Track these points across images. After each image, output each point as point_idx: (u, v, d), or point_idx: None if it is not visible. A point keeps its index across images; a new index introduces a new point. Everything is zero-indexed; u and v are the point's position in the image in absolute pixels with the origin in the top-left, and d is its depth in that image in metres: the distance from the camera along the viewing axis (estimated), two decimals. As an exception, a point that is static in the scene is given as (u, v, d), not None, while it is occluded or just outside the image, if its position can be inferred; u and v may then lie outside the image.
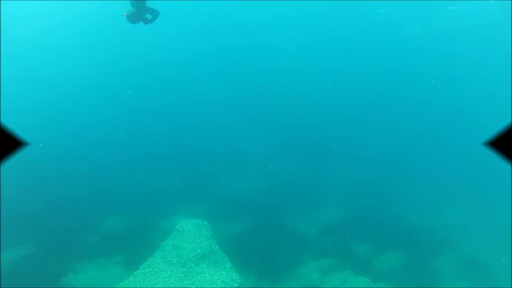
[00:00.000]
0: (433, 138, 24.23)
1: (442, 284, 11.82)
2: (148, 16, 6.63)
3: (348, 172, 18.52)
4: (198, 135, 22.55)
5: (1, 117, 21.88)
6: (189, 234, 11.66)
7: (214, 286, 10.12)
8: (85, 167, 18.10)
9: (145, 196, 15.50)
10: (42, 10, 27.70)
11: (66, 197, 15.21)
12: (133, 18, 6.44)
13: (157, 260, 11.01)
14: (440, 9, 23.63)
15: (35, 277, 10.55)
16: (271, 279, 11.18)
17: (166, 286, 10.00)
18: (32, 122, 23.59)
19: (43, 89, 27.79)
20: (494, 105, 26.70)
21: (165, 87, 29.25)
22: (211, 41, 32.25)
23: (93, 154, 19.50)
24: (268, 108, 24.87)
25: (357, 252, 12.89)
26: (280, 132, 21.88)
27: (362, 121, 25.05)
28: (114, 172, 17.48)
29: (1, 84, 25.22)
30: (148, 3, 7.02)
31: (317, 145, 21.35)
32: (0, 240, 11.68)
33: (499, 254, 13.07)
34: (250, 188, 16.53)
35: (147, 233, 13.05)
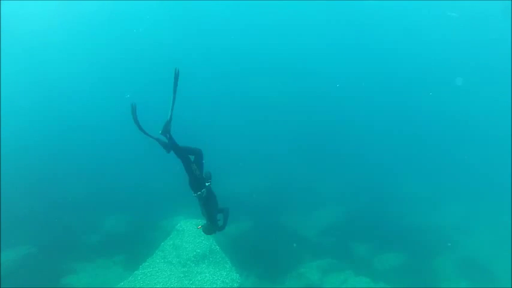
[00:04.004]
0: (433, 138, 24.21)
1: (442, 284, 11.82)
2: (220, 222, 6.55)
3: (347, 172, 18.50)
4: (198, 135, 22.50)
5: (1, 116, 21.90)
6: (189, 234, 11.68)
7: (214, 286, 10.12)
8: (85, 167, 18.09)
9: (145, 196, 15.49)
10: (42, 10, 27.71)
11: (66, 197, 15.21)
12: (209, 230, 6.45)
13: (157, 260, 11.03)
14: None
15: (35, 277, 10.56)
16: (271, 279, 11.18)
17: (166, 286, 10.00)
18: (32, 122, 23.63)
19: (43, 88, 27.78)
20: (494, 106, 26.71)
21: (165, 87, 29.27)
22: (214, 40, 32.27)
23: (93, 154, 19.49)
24: (269, 109, 24.85)
25: (357, 252, 12.89)
26: (280, 132, 21.86)
27: (362, 121, 25.04)
28: (114, 172, 17.47)
29: (1, 84, 25.23)
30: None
31: (317, 145, 21.33)
32: (0, 240, 11.68)
33: (499, 254, 13.08)
34: (250, 188, 16.52)
35: (147, 233, 13.04)
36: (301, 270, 11.65)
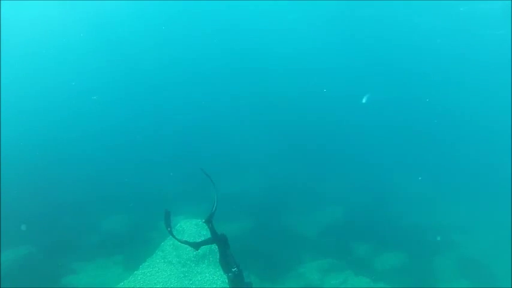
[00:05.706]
0: (433, 138, 24.23)
1: (442, 284, 11.81)
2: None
3: (347, 172, 18.51)
4: (198, 135, 22.56)
5: (1, 117, 21.91)
6: (189, 234, 11.66)
7: (214, 286, 10.12)
8: (85, 167, 18.11)
9: (145, 196, 15.50)
10: (42, 10, 27.72)
11: (66, 197, 15.22)
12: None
13: (157, 260, 11.03)
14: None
15: (35, 277, 10.55)
16: (271, 279, 11.18)
17: (166, 286, 10.00)
18: (32, 123, 23.66)
19: (43, 89, 27.80)
20: (494, 105, 26.73)
21: (164, 87, 29.27)
22: (213, 41, 32.29)
23: (93, 154, 19.51)
24: (269, 109, 24.88)
25: (357, 252, 12.88)
26: (280, 132, 21.88)
27: (362, 121, 25.06)
28: (114, 172, 17.48)
29: (1, 84, 25.25)
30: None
31: (317, 145, 21.36)
32: (0, 240, 11.68)
33: (499, 254, 13.07)
34: (250, 188, 16.52)
35: (147, 233, 13.04)
36: (301, 270, 11.64)
